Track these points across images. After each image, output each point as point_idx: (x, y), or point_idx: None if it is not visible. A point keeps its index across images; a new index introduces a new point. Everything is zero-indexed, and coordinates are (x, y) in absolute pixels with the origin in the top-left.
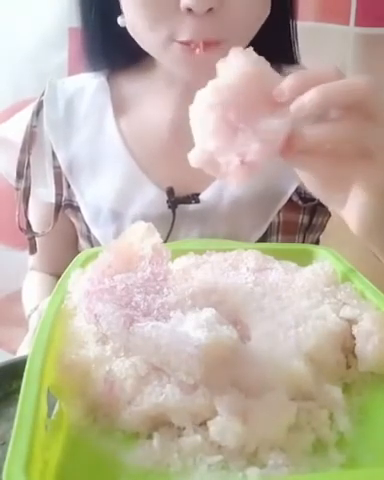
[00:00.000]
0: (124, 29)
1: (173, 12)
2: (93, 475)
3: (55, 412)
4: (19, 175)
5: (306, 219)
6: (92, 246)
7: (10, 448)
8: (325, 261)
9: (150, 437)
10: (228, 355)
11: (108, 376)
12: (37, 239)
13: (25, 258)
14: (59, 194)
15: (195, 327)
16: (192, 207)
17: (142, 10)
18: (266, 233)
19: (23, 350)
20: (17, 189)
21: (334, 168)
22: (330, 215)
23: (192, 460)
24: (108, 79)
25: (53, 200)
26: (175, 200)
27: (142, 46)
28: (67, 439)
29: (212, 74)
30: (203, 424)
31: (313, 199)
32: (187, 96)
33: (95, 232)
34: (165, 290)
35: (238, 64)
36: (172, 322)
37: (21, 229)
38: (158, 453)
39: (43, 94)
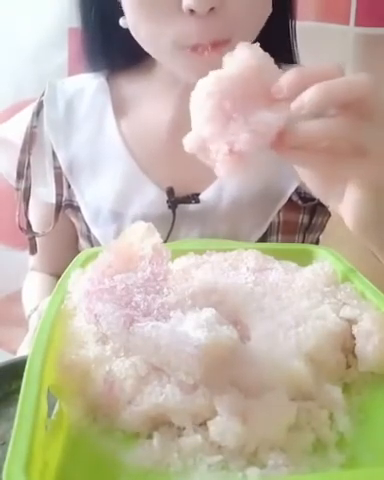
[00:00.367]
0: (124, 30)
1: (175, 14)
2: (93, 475)
3: (55, 412)
4: (19, 175)
5: (306, 219)
6: (92, 246)
7: (10, 448)
8: (325, 261)
9: (150, 437)
10: (228, 355)
11: (108, 376)
12: (37, 239)
13: (25, 258)
14: (59, 194)
15: (195, 327)
16: (192, 207)
17: (144, 13)
18: (266, 233)
19: (23, 350)
20: (17, 189)
21: (329, 165)
22: (330, 215)
23: (192, 460)
24: (108, 80)
25: (53, 200)
26: (175, 200)
27: (148, 51)
28: (67, 439)
29: None
30: (203, 424)
31: (313, 199)
32: (187, 97)
33: (95, 232)
34: (165, 290)
35: (242, 57)
36: (172, 322)
37: (21, 229)
38: (158, 453)
39: (43, 94)
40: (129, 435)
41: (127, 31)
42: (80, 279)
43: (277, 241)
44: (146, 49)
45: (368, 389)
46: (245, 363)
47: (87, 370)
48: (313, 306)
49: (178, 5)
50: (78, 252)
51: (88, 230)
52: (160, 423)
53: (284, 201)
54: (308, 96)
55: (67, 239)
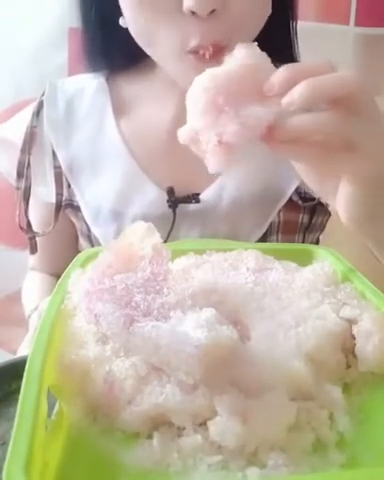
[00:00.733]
0: (124, 30)
1: (175, 16)
2: (93, 475)
3: (55, 412)
4: (19, 175)
5: (306, 219)
6: (92, 246)
7: (10, 448)
8: (325, 261)
9: (150, 437)
10: (228, 355)
11: (108, 376)
12: (37, 239)
13: (25, 258)
14: (59, 194)
15: (195, 327)
16: (192, 207)
17: (143, 13)
18: (266, 233)
19: (23, 350)
20: (17, 189)
21: (321, 159)
22: (330, 215)
23: (192, 460)
24: (108, 80)
25: (53, 200)
26: (175, 200)
27: (147, 52)
28: (67, 439)
29: None
30: (203, 424)
31: (313, 199)
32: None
33: (95, 232)
34: (165, 290)
35: (239, 56)
36: (172, 322)
37: (22, 229)
38: (158, 453)
39: (43, 94)
40: (129, 435)
41: (127, 31)
42: (80, 279)
43: (277, 241)
44: (145, 50)
45: (368, 389)
46: (245, 363)
47: (87, 370)
48: (313, 306)
49: (178, 6)
50: (78, 252)
51: (88, 230)
52: (160, 423)
53: (284, 201)
54: (298, 91)
55: (67, 239)
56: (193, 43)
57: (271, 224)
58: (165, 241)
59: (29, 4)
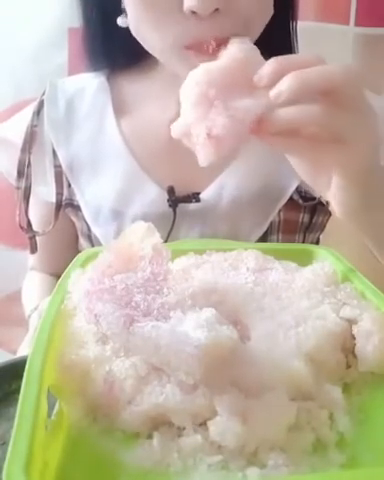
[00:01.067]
0: (125, 29)
1: (177, 14)
2: (93, 475)
3: (55, 412)
4: (20, 174)
5: (306, 218)
6: (93, 245)
7: (10, 448)
8: (325, 261)
9: (150, 437)
10: (228, 355)
11: (108, 376)
12: (37, 239)
13: (25, 258)
14: (59, 193)
15: (195, 327)
16: (192, 206)
17: (145, 11)
18: (266, 232)
19: (23, 350)
20: (18, 188)
21: (311, 151)
22: (330, 214)
23: (192, 460)
24: (108, 79)
25: (54, 199)
26: (176, 199)
27: (149, 50)
28: (67, 439)
29: None
30: (203, 424)
31: (313, 198)
32: None
33: (96, 231)
34: (165, 290)
35: (231, 51)
36: (172, 322)
37: (22, 228)
38: (158, 453)
39: (44, 94)
40: (129, 435)
41: (128, 30)
42: (80, 279)
43: (277, 240)
44: (147, 48)
45: (368, 389)
46: (245, 363)
47: (87, 370)
48: (313, 306)
49: (180, 5)
50: (78, 252)
51: (88, 229)
52: (160, 423)
53: (285, 200)
54: (285, 84)
55: (67, 238)
56: (194, 39)
57: (271, 223)
58: (165, 240)
59: (29, 4)
